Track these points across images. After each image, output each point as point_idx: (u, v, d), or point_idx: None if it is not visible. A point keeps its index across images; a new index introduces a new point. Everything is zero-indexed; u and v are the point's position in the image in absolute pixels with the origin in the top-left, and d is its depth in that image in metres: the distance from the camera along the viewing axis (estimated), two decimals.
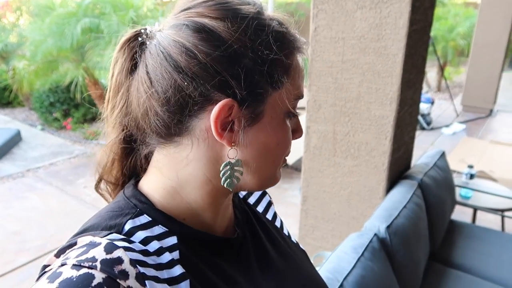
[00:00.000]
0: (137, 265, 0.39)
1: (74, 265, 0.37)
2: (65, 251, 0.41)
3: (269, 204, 0.64)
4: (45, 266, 0.40)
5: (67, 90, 5.16)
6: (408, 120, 1.92)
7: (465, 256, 2.03)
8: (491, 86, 6.01)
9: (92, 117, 5.66)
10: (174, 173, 0.47)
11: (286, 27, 0.46)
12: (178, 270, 0.43)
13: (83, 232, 0.43)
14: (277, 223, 0.62)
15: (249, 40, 0.42)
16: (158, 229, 0.45)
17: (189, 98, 0.42)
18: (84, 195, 3.69)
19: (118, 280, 0.36)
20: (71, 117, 5.53)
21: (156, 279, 0.40)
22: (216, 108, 0.42)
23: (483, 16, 5.86)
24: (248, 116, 0.44)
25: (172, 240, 0.45)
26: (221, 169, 0.45)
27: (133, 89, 0.45)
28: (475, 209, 2.50)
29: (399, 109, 1.71)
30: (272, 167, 0.48)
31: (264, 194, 0.65)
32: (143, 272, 0.39)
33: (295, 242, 0.62)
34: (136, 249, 0.41)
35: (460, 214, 2.85)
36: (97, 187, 0.53)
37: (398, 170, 1.98)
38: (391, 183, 1.90)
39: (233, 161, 0.45)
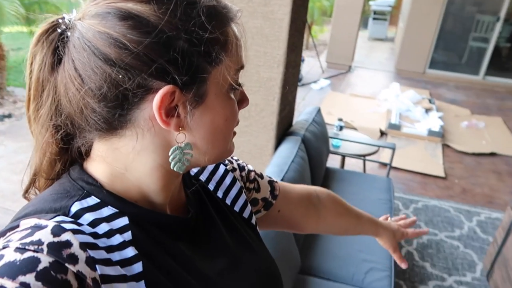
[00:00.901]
0: (87, 249, 0.38)
1: (17, 248, 0.34)
2: (5, 234, 0.38)
3: (222, 178, 0.63)
4: None
5: None
6: (291, 81, 2.07)
7: None
8: (349, 45, 6.73)
9: None
10: (121, 163, 0.46)
11: None
12: (130, 251, 0.42)
13: (25, 216, 0.40)
14: (232, 193, 0.62)
15: (180, 22, 0.40)
16: (108, 211, 0.44)
17: (127, 91, 0.40)
18: None
19: (66, 264, 0.35)
20: None
21: (107, 262, 0.40)
22: (157, 97, 0.40)
23: None
24: (192, 99, 0.43)
25: (123, 221, 0.44)
26: (170, 153, 0.44)
27: (60, 86, 0.43)
28: (343, 156, 2.89)
29: (285, 71, 1.84)
30: (223, 143, 0.49)
31: (216, 169, 0.63)
32: (93, 256, 0.38)
33: (246, 217, 0.63)
34: (86, 231, 0.40)
35: (332, 161, 3.26)
36: (26, 193, 0.48)
37: (284, 128, 2.15)
38: (279, 140, 2.06)
39: (182, 145, 0.44)
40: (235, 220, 0.60)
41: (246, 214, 0.63)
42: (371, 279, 1.75)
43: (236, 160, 0.69)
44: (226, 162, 0.65)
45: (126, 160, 0.45)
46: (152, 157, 0.45)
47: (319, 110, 2.55)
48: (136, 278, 0.41)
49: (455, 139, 4.29)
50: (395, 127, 4.34)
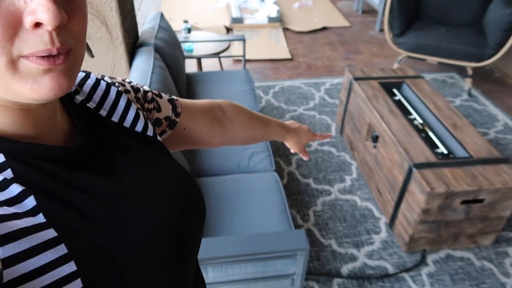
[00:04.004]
0: None
1: None
2: None
3: (116, 101, 0.55)
4: None
5: None
6: None
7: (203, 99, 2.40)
8: None
9: None
10: None
11: None
12: (15, 188, 0.38)
13: None
14: (130, 116, 0.55)
15: None
16: None
17: None
18: None
19: None
20: None
21: None
22: None
23: None
24: None
25: None
26: None
27: None
28: (199, 59, 2.86)
29: None
30: None
31: (106, 93, 0.55)
32: None
33: (151, 135, 0.58)
34: None
35: (188, 67, 3.21)
36: None
37: (131, 41, 1.98)
38: (130, 55, 1.90)
39: None
40: (136, 140, 0.55)
41: (150, 132, 0.58)
42: (254, 162, 1.91)
43: (128, 83, 0.62)
44: (117, 84, 0.58)
45: None
46: None
47: (162, 15, 2.39)
48: (31, 213, 0.37)
49: (292, 21, 4.60)
50: (238, 20, 4.39)
